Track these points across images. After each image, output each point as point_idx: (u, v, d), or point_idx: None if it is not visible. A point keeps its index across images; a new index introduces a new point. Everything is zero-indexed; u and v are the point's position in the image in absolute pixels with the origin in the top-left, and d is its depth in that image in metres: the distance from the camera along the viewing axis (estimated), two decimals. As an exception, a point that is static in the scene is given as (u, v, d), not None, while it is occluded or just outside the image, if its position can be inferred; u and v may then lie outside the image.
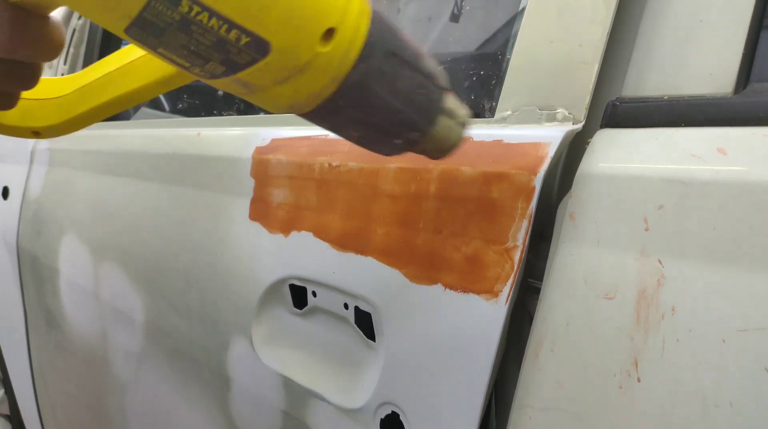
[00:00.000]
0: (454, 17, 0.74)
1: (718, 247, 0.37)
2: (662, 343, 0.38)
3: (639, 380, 0.39)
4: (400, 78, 0.40)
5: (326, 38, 0.36)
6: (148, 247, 0.92)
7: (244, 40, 0.34)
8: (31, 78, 0.41)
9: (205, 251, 0.80)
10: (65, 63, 1.41)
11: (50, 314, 1.27)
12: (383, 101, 0.40)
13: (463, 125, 0.44)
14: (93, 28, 1.33)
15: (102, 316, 1.06)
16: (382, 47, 0.38)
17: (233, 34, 0.33)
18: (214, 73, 0.36)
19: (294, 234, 0.66)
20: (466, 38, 0.71)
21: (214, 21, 0.33)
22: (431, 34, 0.76)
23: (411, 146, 0.44)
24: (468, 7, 0.72)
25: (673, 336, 0.38)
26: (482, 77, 0.63)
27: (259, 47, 0.35)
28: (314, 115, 0.41)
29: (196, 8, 0.32)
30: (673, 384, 0.38)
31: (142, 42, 0.34)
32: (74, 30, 1.39)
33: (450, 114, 0.43)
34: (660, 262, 0.39)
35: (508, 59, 0.54)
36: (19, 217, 1.36)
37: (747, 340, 0.35)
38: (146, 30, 0.33)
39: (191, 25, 0.33)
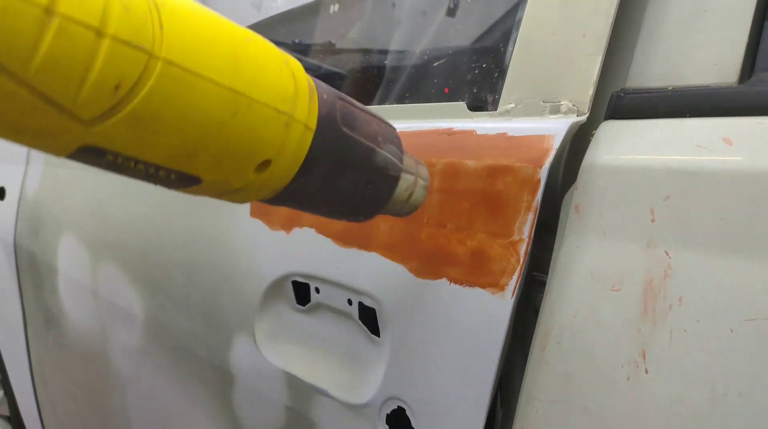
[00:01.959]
0: (451, 11, 0.74)
1: (725, 237, 0.37)
2: (669, 334, 0.38)
3: (647, 371, 0.39)
4: (344, 181, 0.42)
5: (261, 168, 0.37)
6: (147, 245, 0.92)
7: (173, 176, 0.35)
8: None
9: (205, 249, 0.79)
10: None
11: (49, 313, 1.27)
12: (324, 201, 0.43)
13: (422, 191, 0.47)
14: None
15: (101, 314, 1.06)
16: (325, 158, 0.40)
17: (162, 173, 0.35)
18: (151, 182, 0.37)
19: (296, 230, 0.66)
20: (469, 31, 0.71)
21: (141, 166, 0.34)
22: (435, 27, 0.75)
23: (368, 219, 0.47)
24: (469, 0, 0.72)
25: (680, 327, 0.38)
26: (485, 70, 0.63)
27: (190, 180, 0.36)
28: (261, 201, 0.42)
29: (121, 158, 0.33)
30: (681, 375, 0.38)
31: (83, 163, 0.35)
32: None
33: (406, 191, 0.45)
34: (667, 253, 0.39)
35: (511, 51, 0.54)
36: (17, 217, 1.35)
37: (755, 329, 0.35)
38: (81, 161, 0.34)
39: (120, 168, 0.34)
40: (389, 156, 0.43)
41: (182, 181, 0.36)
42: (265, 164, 0.37)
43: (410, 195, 0.46)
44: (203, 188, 0.38)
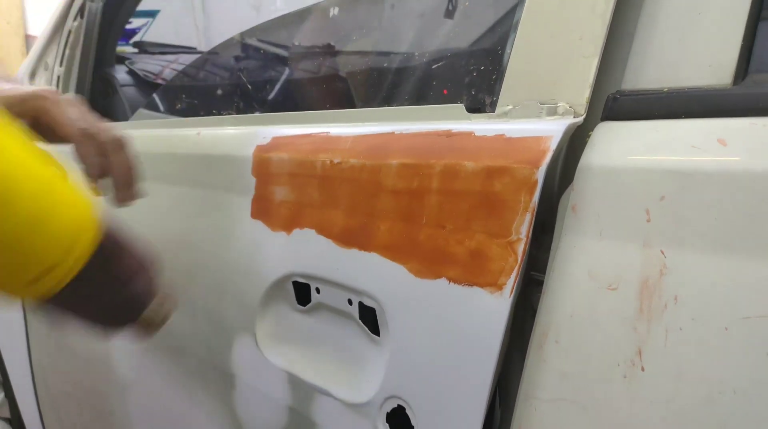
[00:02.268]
0: (449, 13, 0.75)
1: (720, 236, 0.38)
2: (665, 333, 0.39)
3: (643, 369, 0.40)
4: (100, 301, 0.51)
5: (33, 283, 0.44)
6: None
7: None
8: None
9: (207, 250, 0.80)
10: (61, 65, 1.40)
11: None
12: (88, 311, 0.52)
13: (164, 317, 0.59)
14: (89, 30, 1.33)
15: (103, 317, 1.06)
16: (80, 295, 0.48)
17: None
18: None
19: (297, 231, 0.66)
20: (468, 33, 0.71)
21: None
22: (433, 30, 0.76)
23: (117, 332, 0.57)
24: (466, 2, 0.73)
25: (676, 325, 0.39)
26: (483, 72, 0.63)
27: None
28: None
29: None
30: (677, 373, 0.38)
31: None
32: (69, 31, 1.39)
33: (152, 312, 0.57)
34: (662, 252, 0.40)
35: (509, 54, 0.55)
36: (18, 220, 1.36)
37: (750, 327, 0.36)
38: None
39: None
40: (141, 287, 0.54)
41: None
42: (36, 280, 0.44)
43: (155, 315, 0.57)
44: None
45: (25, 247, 0.42)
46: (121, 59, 1.52)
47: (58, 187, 0.45)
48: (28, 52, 3.09)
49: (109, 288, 0.51)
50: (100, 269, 0.48)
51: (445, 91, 0.70)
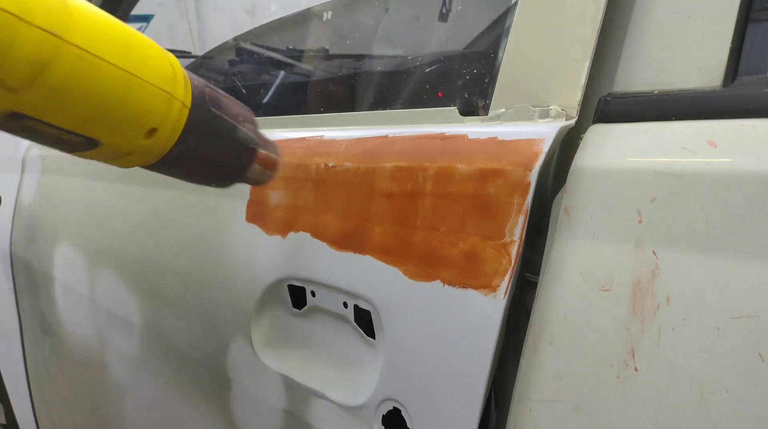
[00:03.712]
0: (443, 17, 0.75)
1: (711, 237, 0.38)
2: (658, 333, 0.39)
3: (636, 369, 0.40)
4: (213, 149, 0.53)
5: (149, 135, 0.48)
6: (143, 251, 0.92)
7: (79, 139, 0.45)
8: None
9: (201, 254, 0.80)
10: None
11: (45, 321, 1.27)
12: (198, 166, 0.54)
13: (275, 163, 0.58)
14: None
15: (98, 321, 1.06)
16: (198, 130, 0.50)
17: (69, 137, 0.45)
18: (59, 149, 0.48)
19: (291, 235, 0.66)
20: (459, 37, 0.72)
21: (53, 130, 0.44)
22: (427, 33, 0.76)
23: (232, 184, 0.58)
24: (459, 7, 0.73)
25: (668, 325, 0.39)
26: (475, 76, 0.64)
27: (91, 143, 0.46)
28: (146, 168, 0.53)
29: (39, 124, 0.43)
30: (669, 372, 0.39)
31: (4, 131, 0.45)
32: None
33: (261, 160, 0.56)
34: (654, 253, 0.40)
35: (501, 58, 0.55)
36: (12, 225, 1.35)
37: (741, 327, 0.36)
38: (4, 129, 0.44)
39: (36, 132, 0.44)
40: (248, 132, 0.54)
41: (85, 144, 0.46)
42: (153, 132, 0.48)
43: (264, 164, 0.57)
44: (102, 151, 0.48)
45: (135, 100, 0.46)
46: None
47: (145, 42, 0.48)
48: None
49: (216, 135, 0.52)
50: (205, 111, 0.51)
51: (440, 95, 0.70)
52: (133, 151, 0.49)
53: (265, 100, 1.04)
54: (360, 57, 0.91)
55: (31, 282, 1.30)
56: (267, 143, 0.56)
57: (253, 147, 0.55)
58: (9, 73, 0.39)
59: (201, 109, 0.50)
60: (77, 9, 0.42)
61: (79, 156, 0.49)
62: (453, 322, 0.51)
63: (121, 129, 0.46)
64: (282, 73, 1.07)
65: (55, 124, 0.43)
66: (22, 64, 0.39)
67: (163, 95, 0.47)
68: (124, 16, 1.40)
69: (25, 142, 1.31)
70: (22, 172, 1.34)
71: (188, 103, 0.49)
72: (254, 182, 0.58)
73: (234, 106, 0.54)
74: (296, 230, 0.66)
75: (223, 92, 0.54)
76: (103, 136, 0.46)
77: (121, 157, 0.50)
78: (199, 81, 0.52)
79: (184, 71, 0.50)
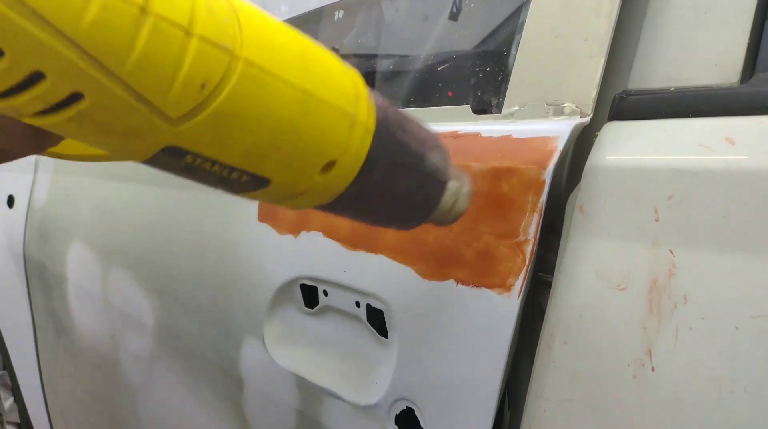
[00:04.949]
0: (453, 15, 0.75)
1: (729, 235, 0.38)
2: (675, 332, 0.39)
3: (653, 369, 0.39)
4: (398, 184, 0.42)
5: (326, 169, 0.38)
6: (156, 251, 0.93)
7: (245, 178, 0.37)
8: (55, 141, 0.41)
9: (214, 254, 0.80)
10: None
11: (59, 321, 1.27)
12: (381, 205, 0.43)
13: (466, 199, 0.47)
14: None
15: (111, 321, 1.07)
16: (383, 161, 0.40)
17: (234, 175, 0.36)
18: (220, 190, 0.39)
19: (304, 234, 0.66)
20: (473, 35, 0.71)
21: (216, 167, 0.35)
22: (438, 32, 0.76)
23: (417, 225, 0.47)
24: (471, 4, 0.73)
25: (685, 324, 0.38)
26: (489, 73, 0.63)
27: (260, 182, 0.37)
28: (318, 208, 0.43)
29: (199, 160, 0.35)
30: (687, 372, 0.38)
31: (157, 169, 0.37)
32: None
33: (451, 198, 0.45)
34: (671, 251, 0.40)
35: (515, 55, 0.55)
36: (25, 226, 1.36)
37: (760, 326, 0.36)
38: (157, 166, 0.36)
39: (195, 170, 0.36)
40: (437, 162, 0.44)
41: (253, 183, 0.37)
42: (330, 165, 0.38)
43: (455, 201, 0.46)
44: (271, 191, 0.39)
45: (314, 126, 0.37)
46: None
47: (323, 54, 0.39)
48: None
49: (402, 167, 0.42)
50: (389, 138, 0.41)
51: (450, 94, 0.70)
52: (307, 189, 0.39)
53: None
54: (371, 56, 0.91)
55: (44, 282, 1.31)
56: (458, 174, 0.46)
57: (443, 180, 0.44)
58: (173, 101, 0.31)
59: (386, 134, 0.40)
60: (246, 14, 0.34)
61: (244, 197, 0.40)
62: (467, 322, 0.51)
63: (295, 163, 0.37)
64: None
65: (220, 160, 0.35)
66: (191, 89, 0.31)
67: (345, 119, 0.38)
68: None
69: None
70: (35, 172, 1.35)
71: (372, 126, 0.40)
72: (441, 222, 0.47)
73: (420, 130, 0.44)
74: (308, 229, 0.66)
75: (406, 112, 0.44)
76: (274, 172, 0.37)
77: (292, 198, 0.40)
78: (380, 98, 0.42)
79: (368, 88, 0.41)
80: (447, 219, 0.47)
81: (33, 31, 0.27)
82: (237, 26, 0.33)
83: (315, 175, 0.38)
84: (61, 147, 0.48)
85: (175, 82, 0.30)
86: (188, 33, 0.30)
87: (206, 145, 0.34)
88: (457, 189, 0.45)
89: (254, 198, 0.40)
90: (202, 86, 0.31)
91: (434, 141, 0.44)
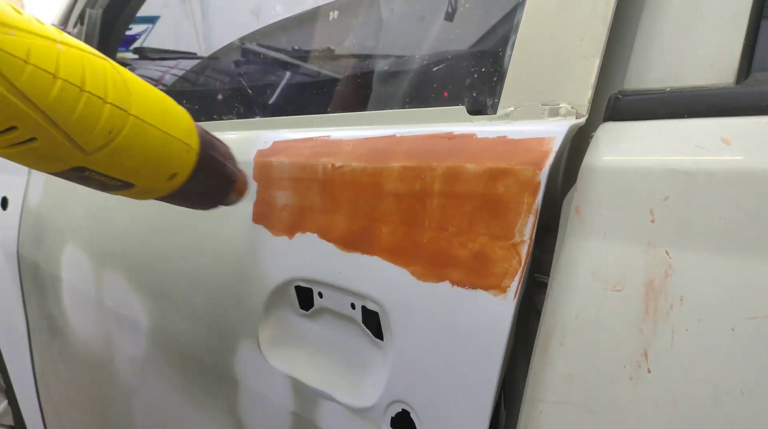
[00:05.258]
0: (449, 16, 0.75)
1: (725, 236, 0.37)
2: (671, 334, 0.39)
3: (649, 371, 0.39)
4: (209, 182, 0.65)
5: (171, 178, 0.60)
6: (150, 252, 0.92)
7: (118, 184, 0.57)
8: None
9: (208, 255, 0.80)
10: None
11: (53, 322, 1.27)
12: (197, 196, 0.66)
13: (244, 188, 0.70)
14: (89, 37, 1.33)
15: (106, 323, 1.06)
16: (202, 169, 0.62)
17: (113, 182, 0.56)
18: (100, 190, 0.60)
19: (298, 235, 0.66)
20: (468, 35, 0.71)
21: (102, 178, 0.55)
22: (433, 32, 0.76)
23: (211, 208, 0.70)
24: (467, 5, 0.72)
25: (682, 326, 0.38)
26: (484, 74, 0.63)
27: (127, 185, 0.58)
28: (157, 199, 0.65)
29: (93, 174, 0.54)
30: (683, 374, 0.38)
31: (58, 177, 0.56)
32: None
33: (236, 192, 0.68)
34: (667, 253, 0.39)
35: (510, 55, 0.54)
36: (19, 227, 1.36)
37: (756, 327, 0.36)
38: (60, 176, 0.55)
39: (86, 179, 0.55)
40: (231, 167, 0.66)
41: (123, 186, 0.58)
42: (174, 175, 0.60)
43: (239, 190, 0.69)
44: (133, 191, 0.59)
45: (167, 153, 0.57)
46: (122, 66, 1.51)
47: (172, 103, 0.59)
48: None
49: (211, 173, 0.63)
50: (206, 155, 0.62)
51: (446, 94, 0.70)
52: (156, 190, 0.60)
53: (271, 100, 1.04)
54: (366, 57, 0.91)
55: (38, 284, 1.30)
56: (241, 173, 0.69)
57: (234, 179, 0.67)
58: (90, 140, 0.51)
59: (203, 152, 0.62)
60: (132, 84, 0.54)
61: (112, 193, 0.60)
62: (462, 323, 0.50)
63: (154, 175, 0.58)
64: (288, 73, 1.06)
65: (108, 175, 0.55)
66: (102, 133, 0.51)
67: (185, 146, 0.59)
68: (130, 18, 1.40)
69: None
70: (29, 173, 1.35)
71: (196, 148, 0.61)
72: (228, 203, 0.70)
73: (221, 146, 0.66)
74: (303, 231, 0.66)
75: (213, 135, 0.66)
76: (139, 181, 0.57)
77: (144, 194, 0.61)
78: (200, 128, 0.63)
79: (192, 121, 0.62)
80: (233, 202, 0.69)
81: (16, 102, 0.46)
82: (128, 93, 0.53)
83: (164, 181, 0.60)
84: None
85: (95, 130, 0.51)
86: (104, 101, 0.50)
87: (102, 165, 0.53)
88: (242, 184, 0.68)
89: (119, 194, 0.60)
90: (110, 132, 0.52)
91: (229, 153, 0.67)
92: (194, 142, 0.60)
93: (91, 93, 0.49)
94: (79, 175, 0.54)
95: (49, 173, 0.54)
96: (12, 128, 0.48)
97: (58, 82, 0.47)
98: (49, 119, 0.48)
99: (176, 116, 0.59)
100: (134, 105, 0.53)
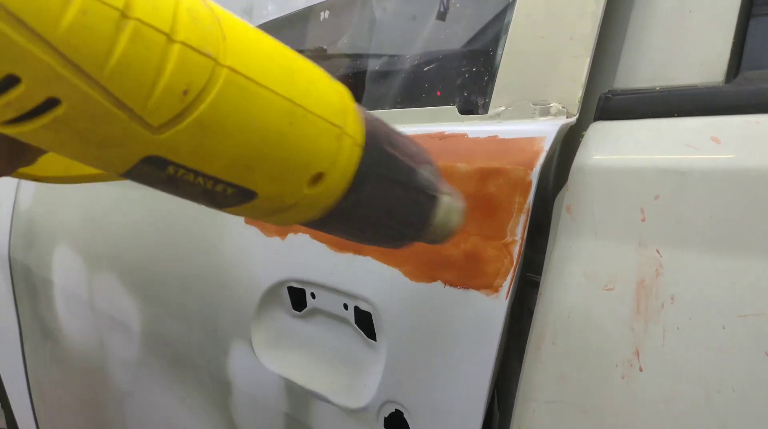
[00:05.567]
0: (441, 15, 0.75)
1: (715, 235, 0.38)
2: (663, 332, 0.39)
3: (641, 369, 0.39)
4: (390, 199, 0.41)
5: (314, 182, 0.37)
6: (142, 255, 0.92)
7: (230, 191, 0.36)
8: (29, 159, 0.40)
9: (200, 257, 0.80)
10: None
11: (45, 326, 1.26)
12: (372, 221, 0.42)
13: (459, 215, 0.45)
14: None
15: (98, 326, 1.06)
16: (373, 174, 0.39)
17: (219, 187, 0.35)
18: (206, 205, 0.38)
19: (291, 236, 0.66)
20: (460, 35, 0.71)
21: (200, 179, 0.34)
22: (425, 32, 0.76)
23: (409, 243, 0.45)
24: (458, 4, 0.72)
25: (673, 324, 0.38)
26: (475, 74, 0.63)
27: (246, 195, 0.36)
28: (307, 225, 0.42)
29: (182, 171, 0.33)
30: (675, 372, 0.38)
31: (138, 182, 0.36)
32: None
33: (444, 214, 0.44)
34: (658, 251, 0.40)
35: (500, 55, 0.54)
36: (10, 230, 1.35)
37: (747, 325, 0.36)
38: (137, 179, 0.35)
39: (178, 182, 0.34)
40: (428, 177, 0.43)
41: (238, 196, 0.36)
42: (319, 178, 0.37)
43: (448, 217, 0.44)
44: (257, 205, 0.38)
45: (304, 133, 0.36)
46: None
47: (309, 65, 0.39)
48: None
49: (392, 181, 0.41)
50: (379, 151, 0.40)
51: (439, 93, 0.70)
52: (296, 203, 0.38)
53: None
54: (357, 56, 0.91)
55: (30, 287, 1.30)
56: (450, 190, 0.45)
57: (435, 195, 0.43)
58: (154, 108, 0.30)
59: (375, 147, 0.39)
60: (231, 24, 0.34)
61: (229, 212, 0.39)
62: (455, 323, 0.50)
63: (282, 175, 0.36)
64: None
65: (203, 171, 0.34)
66: (173, 95, 0.30)
67: (333, 130, 0.37)
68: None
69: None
70: (20, 176, 1.34)
71: (361, 140, 0.39)
72: (433, 240, 0.46)
73: (409, 145, 0.43)
74: (295, 232, 0.65)
75: (395, 128, 0.43)
76: (260, 184, 0.36)
77: (279, 213, 0.39)
78: (369, 114, 0.41)
79: (355, 102, 0.41)
80: (439, 236, 0.45)
81: (8, 32, 0.26)
82: (221, 34, 0.32)
83: (303, 187, 0.37)
84: (37, 168, 0.47)
85: (156, 89, 0.30)
86: (170, 39, 0.29)
87: (189, 155, 0.33)
88: (450, 204, 0.44)
89: (240, 213, 0.39)
90: (185, 93, 0.31)
91: (424, 156, 0.43)
92: (354, 128, 0.39)
93: (141, 21, 0.28)
94: (162, 174, 0.34)
95: (119, 174, 0.34)
96: (11, 79, 0.27)
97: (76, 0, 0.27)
98: (67, 61, 0.27)
99: (314, 81, 0.37)
100: (232, 53, 0.32)
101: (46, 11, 0.26)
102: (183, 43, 0.30)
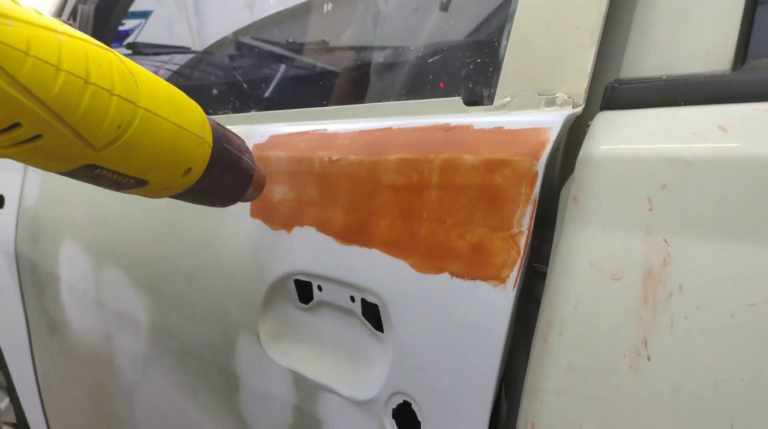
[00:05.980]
0: (443, 6, 0.74)
1: (723, 223, 0.37)
2: (671, 322, 0.39)
3: (649, 359, 0.39)
4: (226, 178, 0.61)
5: (186, 173, 0.57)
6: (148, 249, 0.92)
7: (132, 181, 0.54)
8: None
9: (206, 251, 0.80)
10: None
11: (52, 321, 1.27)
12: (213, 192, 0.62)
13: (263, 182, 0.67)
14: (82, 30, 1.32)
15: (105, 320, 1.06)
16: (217, 164, 0.59)
17: (125, 179, 0.53)
18: (112, 190, 0.56)
19: (297, 229, 0.66)
20: (463, 26, 0.71)
21: (114, 175, 0.52)
22: (428, 23, 0.75)
23: (234, 203, 0.66)
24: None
25: (681, 314, 0.38)
26: (480, 64, 0.63)
27: (142, 183, 0.55)
28: (172, 197, 0.62)
29: (105, 172, 0.51)
30: (683, 361, 0.38)
31: (70, 178, 0.53)
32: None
33: (255, 183, 0.65)
34: (665, 241, 0.40)
35: (505, 46, 0.54)
36: (16, 225, 1.35)
37: (756, 314, 0.36)
38: (71, 176, 0.52)
39: (98, 178, 0.52)
40: (248, 160, 0.63)
41: (137, 184, 0.55)
42: (189, 170, 0.57)
43: (258, 185, 0.65)
44: (147, 189, 0.56)
45: (180, 147, 0.54)
46: (115, 61, 1.50)
47: (182, 95, 0.57)
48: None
49: (228, 167, 0.60)
50: (221, 148, 0.59)
51: (442, 85, 0.70)
52: (171, 186, 0.57)
53: (267, 94, 1.04)
54: (361, 49, 0.91)
55: (36, 282, 1.30)
56: (258, 166, 0.66)
57: (251, 173, 0.64)
58: (98, 136, 0.48)
59: (218, 146, 0.59)
60: (139, 76, 0.51)
61: (126, 193, 0.57)
62: (462, 315, 0.50)
63: (168, 171, 0.55)
64: (283, 66, 1.06)
65: (120, 172, 0.52)
66: (110, 128, 0.48)
67: (198, 139, 0.56)
68: (123, 13, 1.39)
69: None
70: (25, 171, 1.34)
71: (210, 141, 0.58)
72: (246, 200, 0.67)
73: (236, 139, 0.63)
74: (301, 225, 0.66)
75: (227, 128, 0.63)
76: (153, 177, 0.54)
77: (158, 192, 0.58)
78: (213, 121, 0.60)
79: (204, 114, 0.59)
80: (251, 197, 0.66)
81: (18, 97, 0.43)
82: (135, 84, 0.50)
83: (178, 177, 0.56)
84: None
85: (103, 124, 0.47)
86: (111, 93, 0.47)
87: (114, 163, 0.51)
88: (258, 177, 0.65)
89: (132, 193, 0.57)
90: (119, 127, 0.49)
91: (244, 146, 0.63)
92: (208, 135, 0.58)
93: (96, 85, 0.46)
94: (90, 173, 0.51)
95: (59, 173, 0.52)
96: (16, 125, 0.44)
97: (62, 75, 0.44)
98: (54, 114, 0.45)
99: (187, 108, 0.56)
100: (143, 97, 0.50)
101: (43, 82, 0.43)
102: (119, 96, 0.48)
